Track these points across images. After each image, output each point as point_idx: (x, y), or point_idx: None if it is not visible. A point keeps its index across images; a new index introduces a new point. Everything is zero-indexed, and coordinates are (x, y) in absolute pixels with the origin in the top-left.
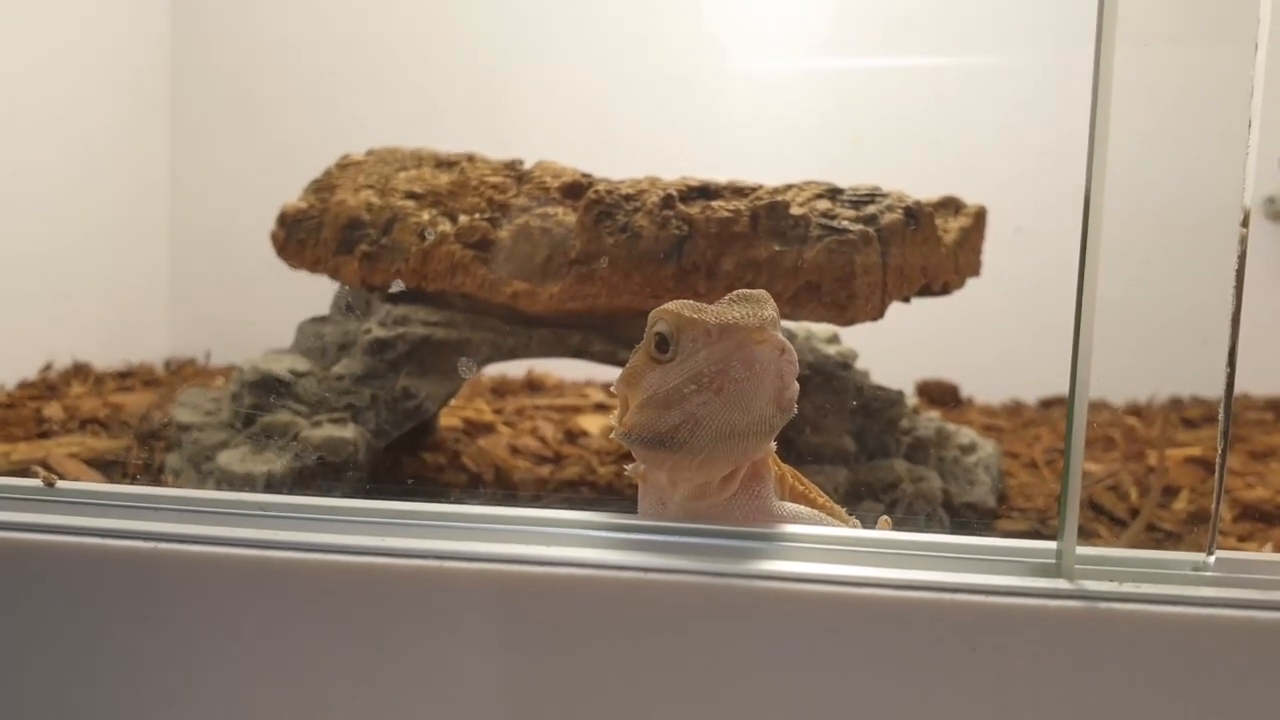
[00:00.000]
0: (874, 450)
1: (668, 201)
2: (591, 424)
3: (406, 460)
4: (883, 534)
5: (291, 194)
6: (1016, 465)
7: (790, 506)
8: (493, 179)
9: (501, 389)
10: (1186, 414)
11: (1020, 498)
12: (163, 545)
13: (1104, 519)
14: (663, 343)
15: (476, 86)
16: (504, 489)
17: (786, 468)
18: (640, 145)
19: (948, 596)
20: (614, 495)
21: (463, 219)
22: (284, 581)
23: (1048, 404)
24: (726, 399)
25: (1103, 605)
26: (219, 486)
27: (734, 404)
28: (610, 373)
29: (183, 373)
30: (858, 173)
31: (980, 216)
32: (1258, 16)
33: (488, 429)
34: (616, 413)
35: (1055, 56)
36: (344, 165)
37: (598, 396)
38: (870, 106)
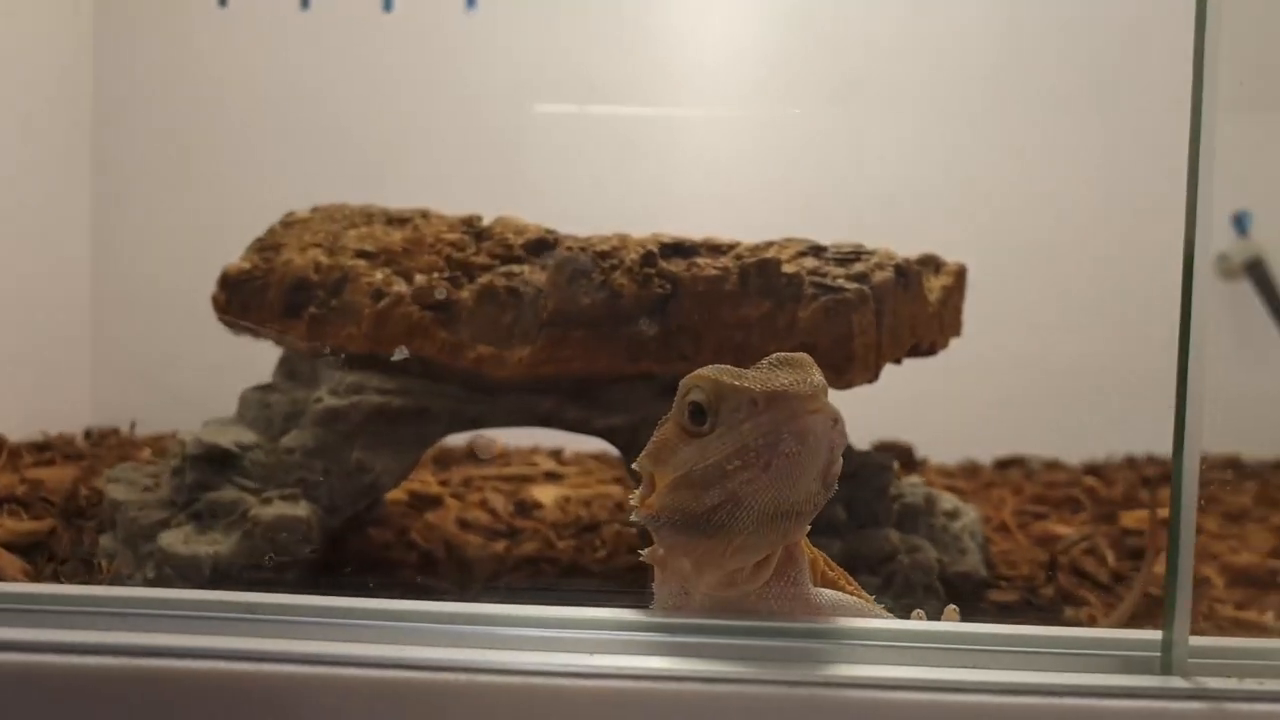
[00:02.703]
0: (865, 519)
1: (649, 259)
2: (544, 494)
3: (352, 537)
4: (952, 626)
5: (219, 252)
6: (988, 529)
7: (828, 594)
8: (449, 236)
9: (445, 459)
10: (1143, 472)
11: (1004, 565)
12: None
13: (1087, 583)
14: (698, 413)
15: (401, 136)
16: (458, 567)
17: (818, 552)
18: (586, 199)
19: (1046, 701)
20: (580, 573)
21: (419, 278)
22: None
23: (1003, 464)
24: (774, 475)
25: (1230, 706)
26: (160, 569)
27: (781, 481)
28: (583, 441)
29: (106, 444)
30: (807, 226)
31: (961, 275)
32: None
33: (435, 502)
34: (639, 492)
35: (1003, 113)
36: (289, 223)
37: (547, 465)
38: (818, 160)
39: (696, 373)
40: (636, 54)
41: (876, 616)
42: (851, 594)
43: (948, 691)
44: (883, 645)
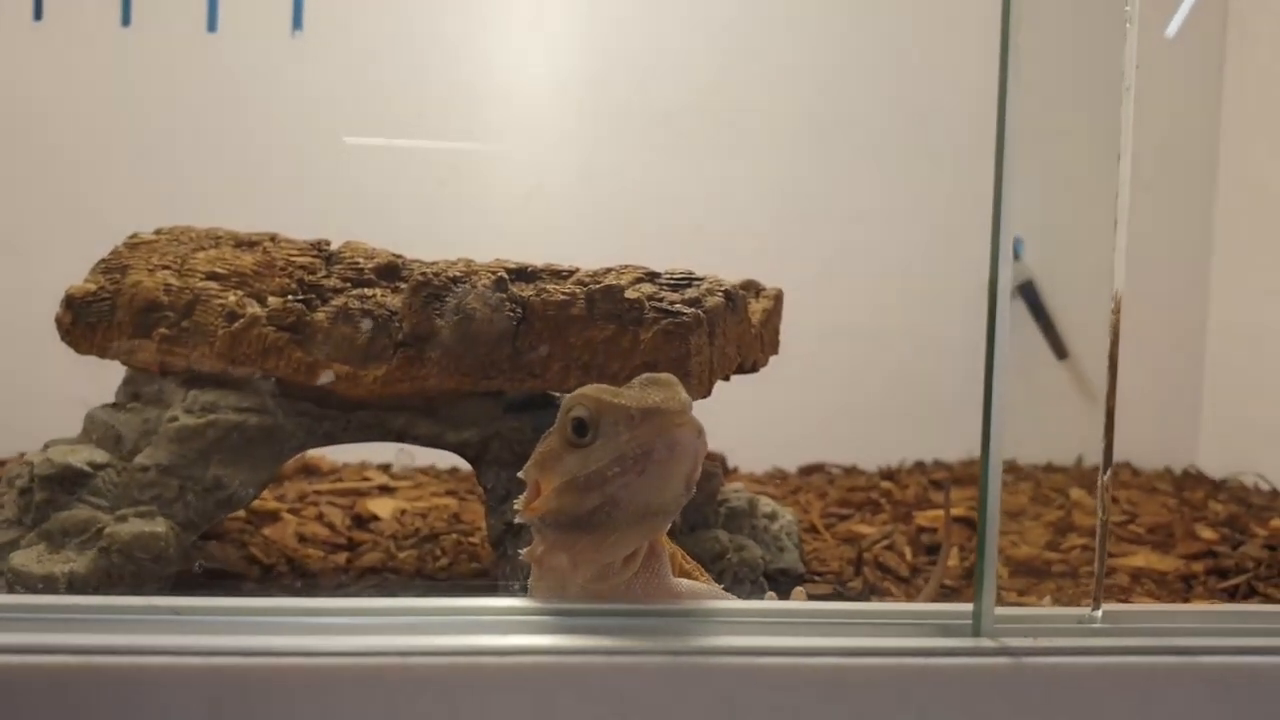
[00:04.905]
0: (696, 522)
1: (500, 284)
2: (381, 508)
3: (193, 551)
4: (800, 605)
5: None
6: (799, 530)
7: (687, 583)
8: (300, 259)
9: (279, 474)
10: (932, 476)
11: (815, 562)
12: None
13: (890, 576)
14: (581, 427)
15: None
16: (301, 579)
17: (675, 547)
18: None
19: (884, 660)
20: (424, 579)
21: (273, 300)
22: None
23: (807, 471)
24: (647, 480)
25: (1027, 659)
26: (13, 589)
27: (653, 484)
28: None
29: None
30: (625, 251)
31: (778, 299)
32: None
33: (272, 517)
34: (523, 498)
35: (812, 144)
36: (134, 244)
37: (380, 479)
38: (631, 190)
39: (579, 392)
40: (459, 85)
41: (729, 600)
42: (704, 583)
43: (804, 655)
44: (746, 621)
